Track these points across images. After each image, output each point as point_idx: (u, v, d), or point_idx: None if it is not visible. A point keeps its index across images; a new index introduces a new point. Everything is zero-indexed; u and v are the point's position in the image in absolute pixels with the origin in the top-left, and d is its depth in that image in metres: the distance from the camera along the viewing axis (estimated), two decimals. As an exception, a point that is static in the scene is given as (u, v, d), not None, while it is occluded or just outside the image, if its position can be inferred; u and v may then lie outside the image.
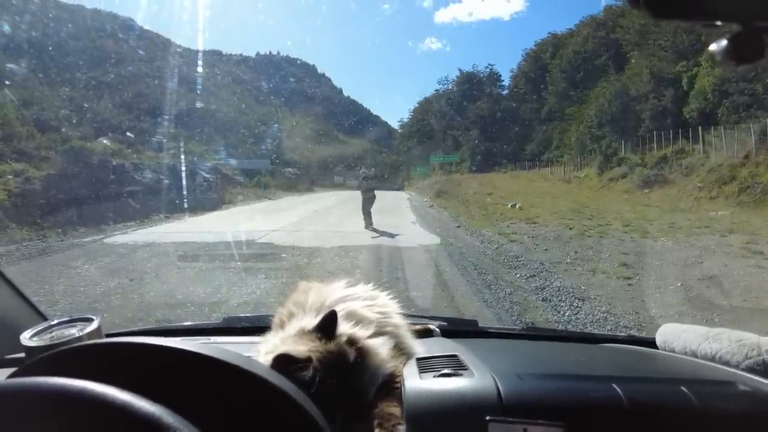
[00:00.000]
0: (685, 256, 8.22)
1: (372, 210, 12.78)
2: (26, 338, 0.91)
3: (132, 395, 0.49)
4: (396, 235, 11.30)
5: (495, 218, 14.75)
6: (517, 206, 17.66)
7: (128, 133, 27.36)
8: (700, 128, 23.34)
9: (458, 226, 13.51)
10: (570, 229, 11.90)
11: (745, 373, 0.93)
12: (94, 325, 0.95)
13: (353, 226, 12.46)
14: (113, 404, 0.49)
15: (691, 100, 27.28)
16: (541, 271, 7.31)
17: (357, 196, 13.39)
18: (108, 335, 1.02)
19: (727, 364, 0.97)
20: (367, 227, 12.25)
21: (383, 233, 11.46)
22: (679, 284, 6.39)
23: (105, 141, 21.02)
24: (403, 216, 16.73)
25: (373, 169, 15.11)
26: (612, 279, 6.94)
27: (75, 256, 8.72)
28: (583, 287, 6.43)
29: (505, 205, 18.32)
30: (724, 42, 0.49)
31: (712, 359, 1.01)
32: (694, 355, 1.06)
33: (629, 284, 6.62)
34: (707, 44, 0.54)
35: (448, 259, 8.34)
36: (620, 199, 20.41)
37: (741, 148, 19.45)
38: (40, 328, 0.95)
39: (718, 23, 0.50)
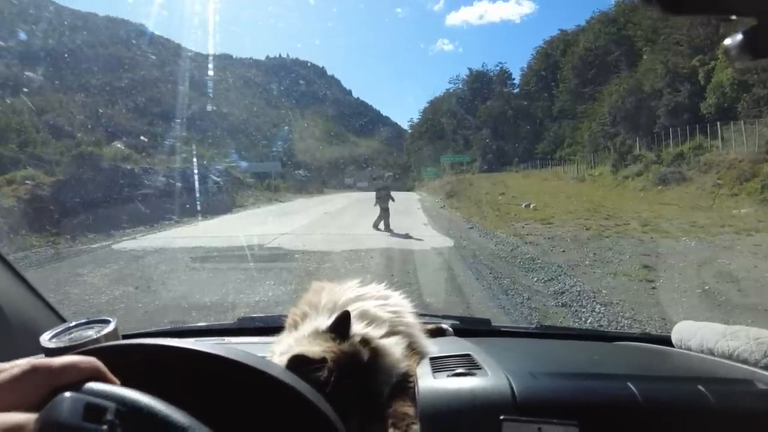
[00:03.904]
0: (710, 256, 7.92)
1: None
2: (45, 340, 0.92)
3: (147, 396, 0.47)
4: (408, 237, 11.12)
5: (508, 219, 14.48)
6: (531, 206, 17.37)
7: (140, 137, 27.57)
8: (718, 123, 22.86)
9: (471, 228, 13.27)
10: (587, 229, 11.59)
11: (763, 372, 0.92)
12: (110, 327, 0.95)
13: (364, 229, 12.32)
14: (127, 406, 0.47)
15: (708, 95, 26.73)
16: (560, 275, 7.04)
17: (367, 197, 13.28)
18: (124, 336, 1.01)
19: (745, 362, 0.96)
20: (375, 227, 12.30)
21: (395, 235, 11.31)
22: (706, 287, 6.09)
23: (118, 144, 21.23)
24: (414, 218, 16.52)
25: (385, 173, 15.13)
26: (634, 282, 6.66)
27: (85, 262, 8.67)
28: (604, 291, 6.17)
29: (519, 206, 18.04)
30: (739, 36, 0.48)
31: (730, 357, 1.00)
32: (711, 353, 1.05)
33: (653, 287, 6.33)
34: (725, 37, 0.50)
35: (462, 263, 8.12)
36: (636, 198, 19.96)
37: (762, 143, 18.93)
38: (58, 330, 0.95)
39: (732, 17, 0.48)
